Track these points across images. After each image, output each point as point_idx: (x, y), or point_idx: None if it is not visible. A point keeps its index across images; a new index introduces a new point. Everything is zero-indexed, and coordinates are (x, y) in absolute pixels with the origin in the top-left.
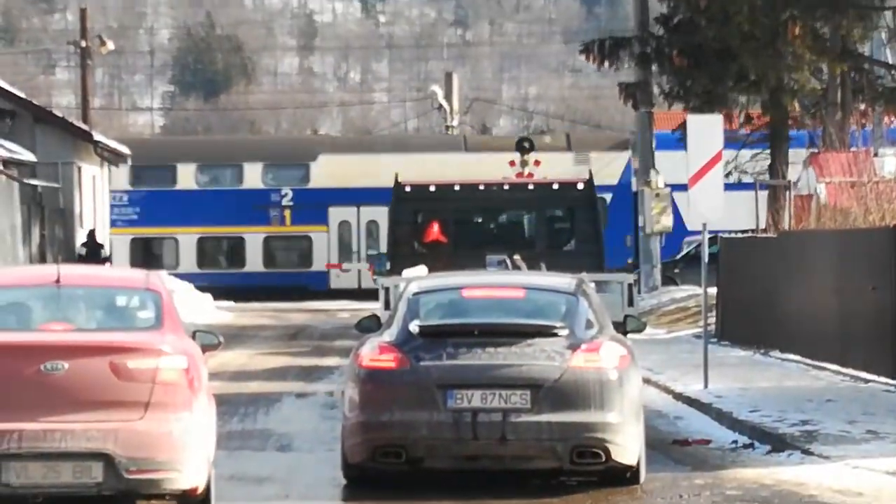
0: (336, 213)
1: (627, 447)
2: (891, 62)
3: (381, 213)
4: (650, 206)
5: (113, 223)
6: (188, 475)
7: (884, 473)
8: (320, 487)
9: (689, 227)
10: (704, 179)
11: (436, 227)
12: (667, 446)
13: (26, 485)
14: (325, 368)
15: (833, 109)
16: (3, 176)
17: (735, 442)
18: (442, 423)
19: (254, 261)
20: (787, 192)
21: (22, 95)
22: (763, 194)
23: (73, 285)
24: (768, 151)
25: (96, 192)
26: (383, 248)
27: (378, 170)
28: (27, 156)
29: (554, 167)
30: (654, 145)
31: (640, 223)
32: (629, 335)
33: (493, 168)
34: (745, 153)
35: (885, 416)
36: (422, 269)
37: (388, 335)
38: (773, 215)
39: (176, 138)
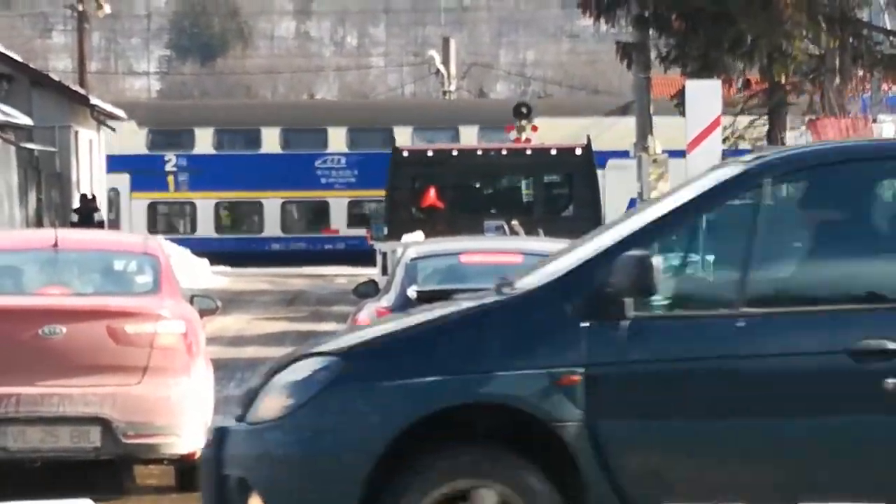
0: None
1: None
2: (889, 28)
3: None
4: (647, 171)
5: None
6: (186, 440)
7: None
8: None
9: None
10: (703, 144)
11: (433, 193)
12: None
13: (24, 449)
14: (322, 333)
15: (831, 76)
16: (0, 139)
17: None
18: None
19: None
20: None
21: (19, 59)
22: None
23: (71, 249)
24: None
25: (93, 156)
26: None
27: None
28: (24, 119)
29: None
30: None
31: (638, 189)
32: None
33: None
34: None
35: None
36: (419, 235)
37: (386, 300)
38: None
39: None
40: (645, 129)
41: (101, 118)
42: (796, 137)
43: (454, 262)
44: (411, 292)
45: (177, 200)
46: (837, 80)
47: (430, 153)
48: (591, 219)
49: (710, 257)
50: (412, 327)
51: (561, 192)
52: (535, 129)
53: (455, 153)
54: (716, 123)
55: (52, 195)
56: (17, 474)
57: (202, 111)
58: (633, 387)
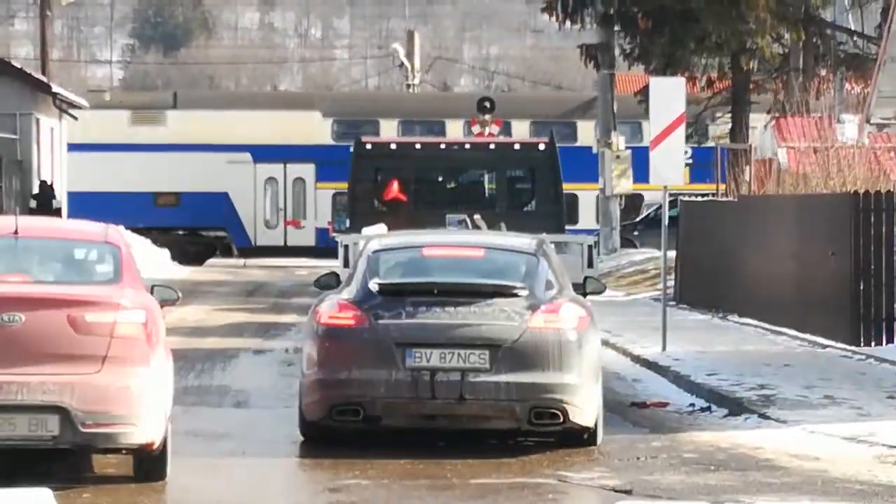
0: None
1: (585, 409)
2: (853, 28)
3: None
4: (610, 168)
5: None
6: (145, 430)
7: (840, 438)
8: (277, 444)
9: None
10: (666, 142)
11: (396, 185)
12: (624, 408)
13: None
14: (282, 325)
15: (795, 74)
16: None
17: (692, 405)
18: (400, 382)
19: None
20: (748, 156)
21: None
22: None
23: (32, 237)
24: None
25: (54, 144)
26: None
27: None
28: None
29: None
30: (614, 107)
31: (601, 185)
32: (588, 297)
33: None
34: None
35: (842, 381)
36: (381, 227)
37: (348, 293)
38: (734, 179)
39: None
40: (608, 125)
41: (63, 106)
42: (759, 135)
43: (416, 256)
44: (373, 285)
45: None
46: (801, 79)
47: (392, 146)
48: (553, 214)
49: None
50: None
51: (524, 186)
52: (498, 123)
53: (418, 146)
54: (679, 120)
55: (13, 182)
56: None
57: (387, 102)
58: None
